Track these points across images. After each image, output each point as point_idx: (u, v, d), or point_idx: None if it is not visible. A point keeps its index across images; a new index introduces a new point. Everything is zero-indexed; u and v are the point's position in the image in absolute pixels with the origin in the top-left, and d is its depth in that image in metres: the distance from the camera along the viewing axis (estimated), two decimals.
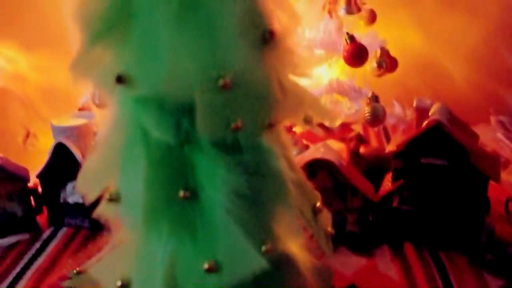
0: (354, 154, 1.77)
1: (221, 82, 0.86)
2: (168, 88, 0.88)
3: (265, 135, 0.97)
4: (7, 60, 2.20)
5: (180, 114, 0.91)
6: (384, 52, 1.67)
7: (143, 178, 0.93)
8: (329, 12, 1.69)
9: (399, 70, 2.22)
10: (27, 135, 2.23)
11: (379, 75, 1.65)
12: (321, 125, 1.85)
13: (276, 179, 0.98)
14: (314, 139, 1.96)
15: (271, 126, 0.96)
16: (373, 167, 1.73)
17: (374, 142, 1.89)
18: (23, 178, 1.70)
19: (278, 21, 0.96)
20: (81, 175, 0.99)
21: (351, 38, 1.52)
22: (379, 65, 1.63)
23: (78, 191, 1.00)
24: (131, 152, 0.95)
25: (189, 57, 0.86)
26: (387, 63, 1.69)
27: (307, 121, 1.06)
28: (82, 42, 0.91)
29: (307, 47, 1.54)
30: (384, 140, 2.05)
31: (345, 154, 1.69)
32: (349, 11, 1.58)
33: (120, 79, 0.88)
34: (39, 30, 2.20)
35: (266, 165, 0.97)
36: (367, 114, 1.51)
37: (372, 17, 1.80)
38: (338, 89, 1.58)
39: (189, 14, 0.86)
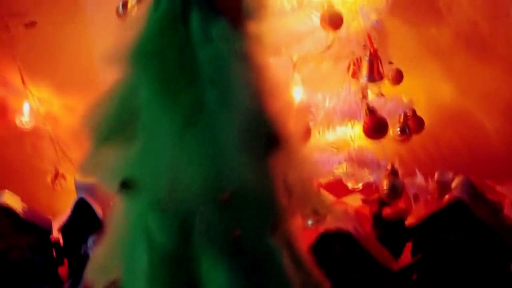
0: (376, 217, 1.74)
1: (220, 196, 0.87)
2: (169, 197, 0.90)
3: (268, 236, 0.97)
4: (40, 101, 2.24)
5: (182, 219, 0.92)
6: (408, 118, 1.64)
7: (145, 275, 0.95)
8: (353, 74, 1.66)
9: (430, 122, 2.22)
10: (56, 175, 2.27)
11: (402, 141, 1.62)
12: (345, 186, 1.85)
13: (279, 277, 0.98)
14: (339, 192, 1.96)
15: (274, 229, 0.96)
16: (395, 231, 1.69)
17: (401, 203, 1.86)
18: (46, 230, 1.74)
19: (284, 124, 0.96)
20: (89, 266, 1.03)
21: (371, 110, 1.50)
22: (402, 131, 1.60)
23: (86, 280, 1.03)
24: (135, 249, 0.97)
25: (189, 172, 0.88)
26: (411, 128, 1.66)
27: (315, 212, 1.06)
28: (90, 145, 0.94)
29: (327, 116, 1.52)
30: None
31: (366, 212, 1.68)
32: (371, 79, 1.56)
33: (124, 185, 0.91)
34: (71, 73, 2.26)
35: (268, 263, 0.97)
36: (385, 189, 1.48)
37: (398, 78, 1.77)
38: (357, 159, 1.56)
39: (191, 131, 0.88)
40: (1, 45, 2.14)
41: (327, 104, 1.52)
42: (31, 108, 2.21)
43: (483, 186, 2.09)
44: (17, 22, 2.16)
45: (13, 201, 1.74)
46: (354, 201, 1.97)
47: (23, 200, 1.99)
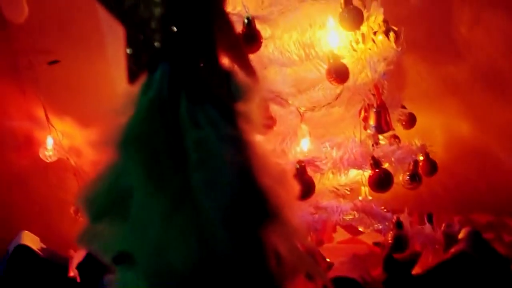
0: (387, 260, 1.74)
1: (206, 272, 0.90)
2: (157, 273, 0.93)
3: None
4: (63, 134, 2.31)
5: None
6: (419, 163, 1.63)
7: None
8: (364, 119, 1.67)
9: (448, 158, 2.20)
10: (79, 208, 2.33)
11: (411, 189, 1.62)
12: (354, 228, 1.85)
13: None
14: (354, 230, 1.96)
15: None
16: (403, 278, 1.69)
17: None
18: (64, 268, 1.79)
19: (276, 195, 0.98)
20: None
21: (376, 163, 1.49)
22: (412, 179, 1.60)
23: None
24: None
25: (175, 251, 0.90)
26: (423, 172, 1.65)
27: (308, 277, 1.07)
28: (86, 219, 0.99)
29: (334, 166, 1.53)
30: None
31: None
32: (379, 130, 1.56)
33: (117, 258, 0.95)
34: (93, 108, 2.32)
35: None
36: (390, 241, 1.48)
37: (411, 122, 1.77)
38: (363, 209, 1.56)
39: (178, 212, 0.91)
40: (26, 81, 2.23)
41: (334, 154, 1.53)
42: (54, 142, 2.27)
43: (501, 226, 2.08)
44: (41, 60, 2.22)
45: (32, 241, 1.80)
46: (369, 239, 1.98)
47: (46, 231, 2.09)
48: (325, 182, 1.68)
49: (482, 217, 2.16)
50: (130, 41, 0.95)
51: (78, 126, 2.35)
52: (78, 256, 2.04)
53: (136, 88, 0.96)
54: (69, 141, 2.33)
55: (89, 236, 1.01)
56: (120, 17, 0.95)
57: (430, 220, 2.06)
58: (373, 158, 1.50)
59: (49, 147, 2.27)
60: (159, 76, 0.93)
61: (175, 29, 0.90)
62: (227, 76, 0.93)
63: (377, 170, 1.50)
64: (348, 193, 1.73)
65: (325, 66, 1.52)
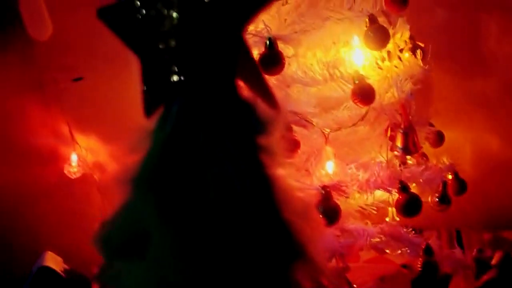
0: (416, 283, 1.69)
1: None
2: None
3: None
4: (88, 150, 2.33)
5: None
6: (449, 183, 1.58)
7: None
8: (391, 138, 1.62)
9: (476, 173, 2.15)
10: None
11: (441, 211, 1.57)
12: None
13: None
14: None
15: None
16: None
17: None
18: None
19: (300, 232, 0.94)
20: None
21: (403, 188, 1.45)
22: (441, 201, 1.55)
23: None
24: None
25: None
26: (452, 193, 1.60)
27: None
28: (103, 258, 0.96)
29: (360, 189, 1.48)
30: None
31: None
32: (406, 152, 1.51)
33: None
34: (117, 124, 2.33)
35: None
36: (419, 267, 1.43)
37: (438, 140, 1.72)
38: (391, 233, 1.51)
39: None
40: (50, 97, 2.24)
41: (360, 177, 1.48)
42: (79, 158, 2.29)
43: None
44: (65, 77, 2.24)
45: (55, 262, 1.80)
46: (396, 259, 1.93)
47: (71, 246, 2.09)
48: (351, 201, 1.63)
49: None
50: (146, 74, 0.92)
51: (102, 142, 2.37)
52: None
53: (152, 122, 0.93)
54: (93, 157, 2.34)
55: (107, 275, 0.98)
56: (136, 50, 0.92)
57: (459, 237, 2.01)
58: (401, 182, 1.44)
59: (74, 164, 2.29)
60: (176, 111, 0.90)
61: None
62: (247, 108, 0.90)
63: (405, 194, 1.44)
64: (375, 213, 1.69)
65: (350, 86, 1.48)
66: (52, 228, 2.23)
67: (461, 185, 1.71)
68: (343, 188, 1.41)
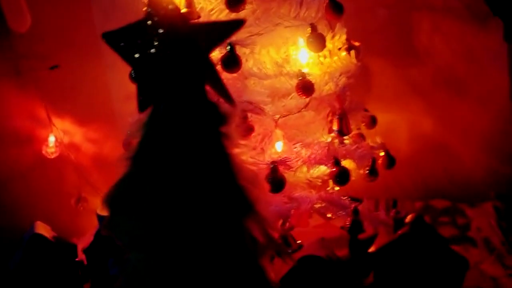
0: (351, 241, 2.20)
1: None
2: None
3: None
4: (64, 132, 2.71)
5: None
6: (378, 160, 2.10)
7: None
8: (330, 122, 2.12)
9: (412, 151, 2.67)
10: (79, 199, 2.76)
11: (370, 181, 2.08)
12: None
13: None
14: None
15: None
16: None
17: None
18: (72, 253, 2.24)
19: (251, 193, 1.43)
20: None
21: (336, 162, 1.95)
22: (370, 173, 2.06)
23: None
24: None
25: None
26: (381, 167, 2.12)
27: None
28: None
29: (304, 163, 1.99)
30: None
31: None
32: (341, 134, 2.02)
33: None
34: (89, 107, 2.74)
35: None
36: (348, 225, 1.96)
37: (372, 123, 2.22)
38: (328, 199, 2.03)
39: None
40: (28, 84, 2.58)
41: (303, 154, 1.98)
42: (56, 140, 2.66)
43: (456, 210, 2.57)
44: (43, 65, 2.59)
45: (45, 230, 2.24)
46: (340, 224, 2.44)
47: (48, 222, 2.46)
48: (300, 175, 2.12)
49: (440, 203, 2.66)
50: (139, 82, 1.38)
51: (77, 124, 2.76)
52: (82, 242, 2.49)
53: (144, 116, 1.39)
54: (69, 138, 2.73)
55: (111, 225, 1.45)
56: (129, 62, 1.38)
57: (395, 206, 2.53)
58: (334, 158, 1.95)
59: (51, 145, 2.64)
60: (163, 108, 1.36)
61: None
62: (213, 106, 1.38)
63: (337, 167, 1.95)
64: (319, 184, 2.19)
65: (295, 81, 1.96)
66: (28, 206, 2.56)
67: (390, 160, 2.23)
68: (288, 163, 1.91)
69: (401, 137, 2.70)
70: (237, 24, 1.35)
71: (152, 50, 1.33)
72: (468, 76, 2.60)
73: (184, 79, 1.35)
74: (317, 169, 2.13)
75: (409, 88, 2.67)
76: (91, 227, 2.82)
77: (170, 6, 1.32)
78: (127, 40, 1.37)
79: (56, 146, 2.67)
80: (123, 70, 2.77)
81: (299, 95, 1.92)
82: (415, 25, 2.62)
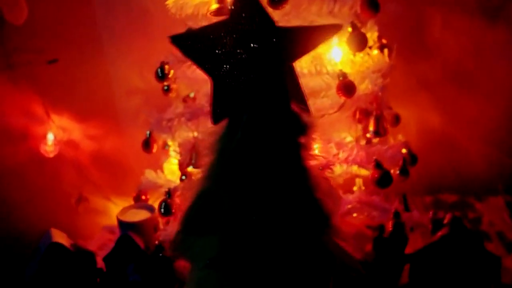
0: (377, 241, 2.17)
1: None
2: None
3: None
4: (62, 129, 2.59)
5: None
6: (407, 162, 2.07)
7: None
8: (359, 121, 2.07)
9: (420, 146, 2.65)
10: (80, 198, 2.62)
11: (401, 181, 2.05)
12: None
13: None
14: None
15: None
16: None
17: None
18: (91, 262, 2.12)
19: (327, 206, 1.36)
20: None
21: (378, 165, 1.91)
22: (401, 173, 2.03)
23: None
24: None
25: None
26: (408, 169, 2.09)
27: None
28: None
29: (340, 163, 1.93)
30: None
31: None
32: (377, 135, 1.98)
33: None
34: (89, 104, 2.60)
35: None
36: (391, 228, 1.91)
37: (395, 121, 2.19)
38: (367, 201, 1.98)
39: None
40: (26, 78, 2.45)
41: (340, 155, 1.92)
42: (54, 137, 2.54)
43: (465, 205, 2.58)
44: (40, 59, 2.47)
45: (62, 238, 2.11)
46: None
47: (46, 222, 2.34)
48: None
49: (449, 197, 2.67)
50: (216, 91, 1.28)
51: (76, 121, 2.63)
52: (91, 245, 2.37)
53: (218, 130, 1.30)
54: (67, 135, 2.61)
55: (181, 247, 1.35)
56: (209, 72, 1.28)
57: (404, 200, 2.52)
58: (375, 160, 1.90)
59: (50, 143, 2.53)
60: (245, 119, 1.27)
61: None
62: (295, 116, 1.30)
63: (379, 171, 1.90)
64: (341, 183, 2.13)
65: (329, 78, 1.89)
66: (23, 205, 2.44)
67: (413, 158, 2.21)
68: (331, 166, 1.85)
69: (410, 132, 2.66)
70: (335, 29, 1.26)
71: (234, 56, 1.23)
72: (476, 71, 2.61)
73: (269, 88, 1.25)
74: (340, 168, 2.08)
75: (417, 83, 2.64)
76: (91, 227, 2.72)
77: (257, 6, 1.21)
78: (202, 44, 1.26)
79: (55, 144, 2.56)
80: (126, 64, 2.70)
81: (339, 95, 1.86)
82: (426, 20, 2.59)
